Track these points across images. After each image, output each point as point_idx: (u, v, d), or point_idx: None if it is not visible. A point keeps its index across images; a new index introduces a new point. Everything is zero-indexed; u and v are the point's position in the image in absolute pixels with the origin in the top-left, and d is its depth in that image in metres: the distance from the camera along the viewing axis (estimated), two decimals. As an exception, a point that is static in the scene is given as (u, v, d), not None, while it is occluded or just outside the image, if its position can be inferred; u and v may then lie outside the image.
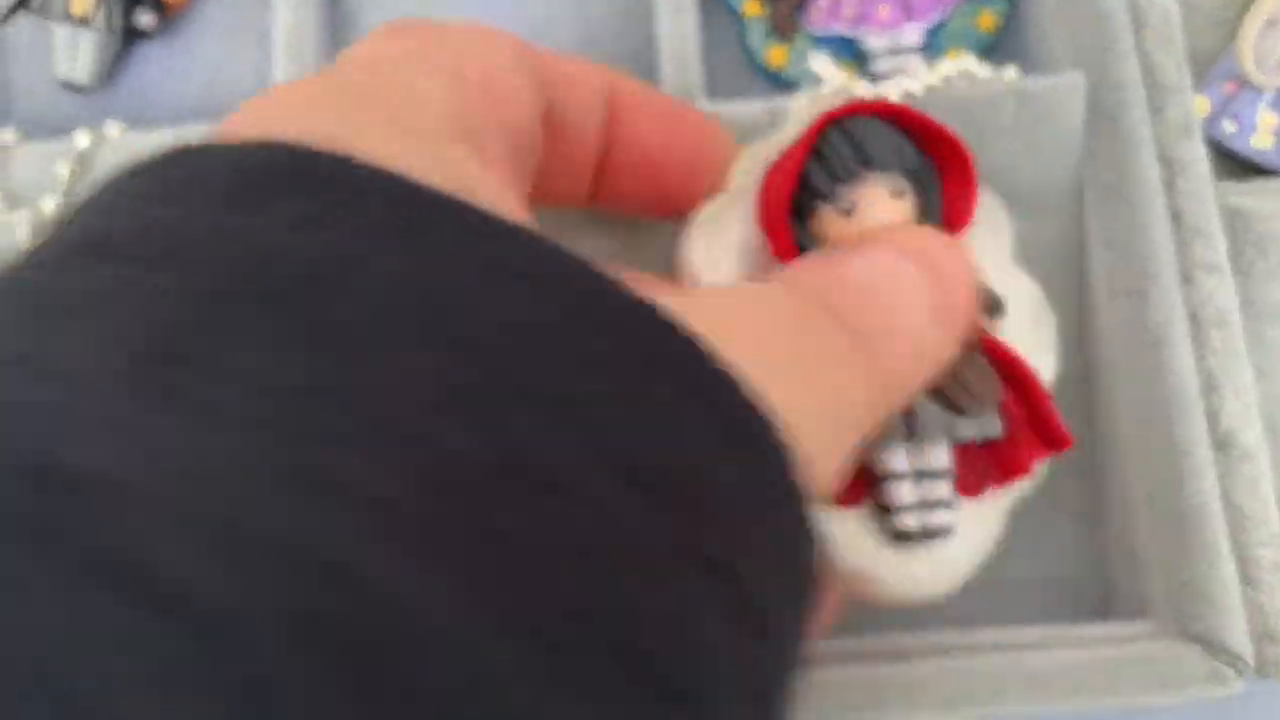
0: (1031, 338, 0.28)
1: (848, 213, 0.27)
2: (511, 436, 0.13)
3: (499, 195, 0.18)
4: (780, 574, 0.15)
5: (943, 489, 0.28)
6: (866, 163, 0.27)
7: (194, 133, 0.34)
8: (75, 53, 0.39)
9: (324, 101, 0.18)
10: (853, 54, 0.38)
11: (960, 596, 0.29)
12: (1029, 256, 0.31)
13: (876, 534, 0.28)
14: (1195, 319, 0.33)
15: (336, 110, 0.18)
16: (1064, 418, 0.28)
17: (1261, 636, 0.31)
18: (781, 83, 0.38)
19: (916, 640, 0.32)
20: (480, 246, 0.14)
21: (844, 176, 0.27)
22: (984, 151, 0.35)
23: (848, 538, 0.28)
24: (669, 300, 0.15)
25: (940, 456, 0.28)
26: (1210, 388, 0.32)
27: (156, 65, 0.39)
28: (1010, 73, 0.35)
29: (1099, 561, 0.35)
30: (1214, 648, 0.31)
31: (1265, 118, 0.37)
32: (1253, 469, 0.32)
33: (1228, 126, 0.37)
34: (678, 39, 0.36)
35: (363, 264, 0.14)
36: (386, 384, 0.12)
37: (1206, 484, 0.32)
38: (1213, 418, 0.32)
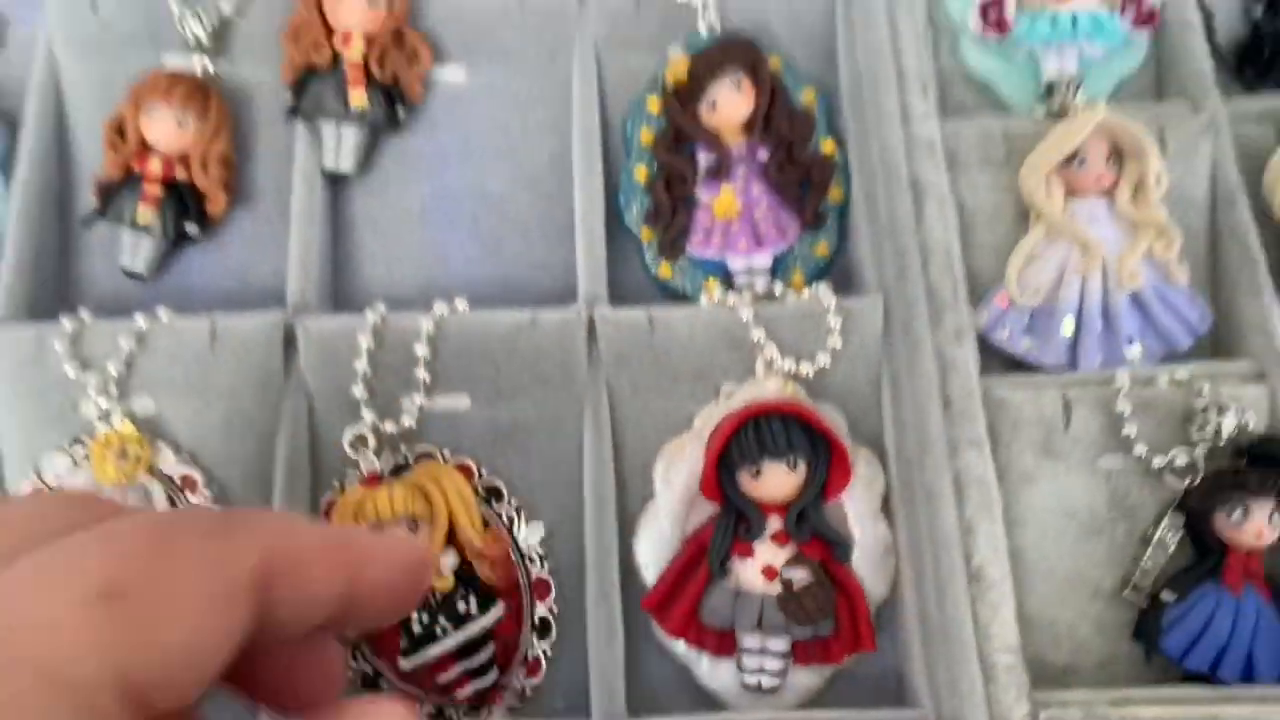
0: (877, 568, 0.45)
1: (756, 475, 0.43)
2: None
3: None
4: None
5: (777, 664, 0.44)
6: (765, 451, 0.43)
7: (223, 321, 0.46)
8: (137, 251, 0.51)
9: None
10: (722, 272, 0.50)
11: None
12: (849, 432, 0.44)
13: (735, 677, 0.44)
14: (959, 481, 0.44)
15: None
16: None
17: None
18: (670, 291, 0.50)
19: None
20: None
21: (748, 461, 0.43)
22: (810, 351, 0.47)
23: (719, 676, 0.44)
24: None
25: (780, 644, 0.44)
26: (967, 531, 0.43)
27: (198, 263, 0.51)
28: (830, 296, 0.48)
29: (897, 660, 0.46)
30: (960, 729, 0.41)
31: (1030, 327, 0.49)
32: (995, 596, 0.42)
33: (1001, 333, 0.49)
34: (590, 256, 0.49)
35: None
36: None
37: (961, 608, 0.42)
38: (969, 556, 0.43)
